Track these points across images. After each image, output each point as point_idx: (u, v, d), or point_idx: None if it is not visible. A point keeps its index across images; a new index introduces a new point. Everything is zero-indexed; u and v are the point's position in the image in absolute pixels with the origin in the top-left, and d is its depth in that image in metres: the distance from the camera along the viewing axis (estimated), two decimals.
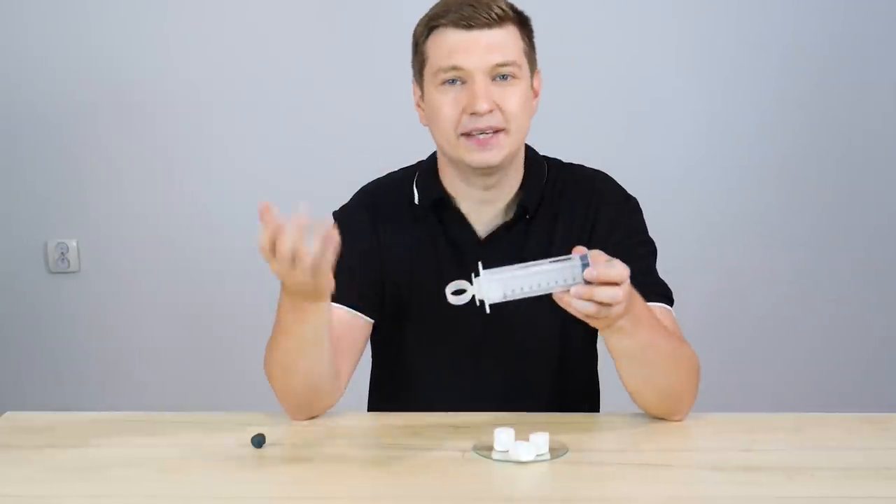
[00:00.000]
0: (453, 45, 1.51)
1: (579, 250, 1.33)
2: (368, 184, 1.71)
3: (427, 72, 1.55)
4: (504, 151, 1.53)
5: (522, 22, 1.55)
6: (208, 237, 2.89)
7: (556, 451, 1.38)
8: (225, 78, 2.84)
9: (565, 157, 1.70)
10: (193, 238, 2.89)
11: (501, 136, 1.52)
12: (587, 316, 1.33)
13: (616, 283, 1.31)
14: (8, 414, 1.62)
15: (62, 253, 2.88)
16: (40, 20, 2.81)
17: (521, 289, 1.33)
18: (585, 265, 1.31)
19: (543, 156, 1.67)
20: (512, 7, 1.54)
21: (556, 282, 1.32)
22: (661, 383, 1.49)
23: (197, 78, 2.84)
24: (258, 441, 1.43)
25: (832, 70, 2.84)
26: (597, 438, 1.51)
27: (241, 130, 2.86)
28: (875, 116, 2.86)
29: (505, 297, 1.33)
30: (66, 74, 2.83)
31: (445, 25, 1.51)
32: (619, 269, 1.32)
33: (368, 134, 2.81)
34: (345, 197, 1.70)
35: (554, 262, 1.33)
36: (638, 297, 1.42)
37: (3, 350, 2.94)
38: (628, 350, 1.43)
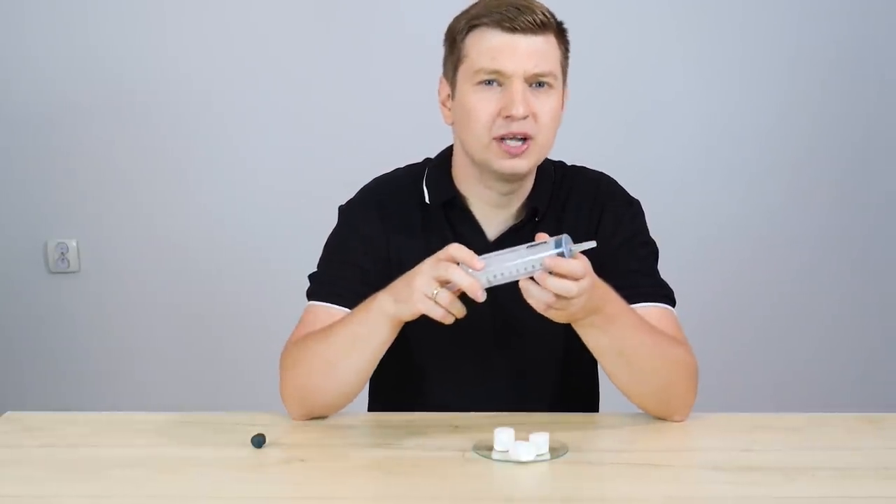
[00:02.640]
0: (495, 46, 1.49)
1: (542, 236, 1.35)
2: (372, 181, 1.70)
3: (463, 70, 1.52)
4: (532, 161, 1.53)
5: (561, 32, 1.54)
6: (208, 237, 2.89)
7: (556, 451, 1.38)
8: (224, 78, 2.84)
9: (569, 159, 1.70)
10: (193, 238, 2.89)
11: (531, 144, 1.51)
12: (546, 306, 1.34)
13: (573, 279, 1.32)
14: (8, 414, 1.61)
15: (62, 253, 2.88)
16: (40, 20, 2.81)
17: (503, 274, 1.35)
18: (559, 250, 1.32)
19: (547, 158, 1.67)
20: (553, 15, 1.52)
21: (534, 266, 1.33)
22: (650, 383, 1.49)
23: (197, 78, 2.84)
24: (258, 441, 1.43)
25: (834, 72, 2.84)
26: (597, 438, 1.51)
27: (241, 130, 2.86)
28: (877, 119, 2.86)
29: (489, 282, 1.35)
30: (65, 74, 2.83)
31: (488, 25, 1.49)
32: (575, 265, 1.32)
33: (367, 134, 2.81)
34: (342, 197, 1.69)
35: (530, 247, 1.34)
36: (613, 296, 1.42)
37: (3, 350, 2.94)
38: (605, 348, 1.45)
